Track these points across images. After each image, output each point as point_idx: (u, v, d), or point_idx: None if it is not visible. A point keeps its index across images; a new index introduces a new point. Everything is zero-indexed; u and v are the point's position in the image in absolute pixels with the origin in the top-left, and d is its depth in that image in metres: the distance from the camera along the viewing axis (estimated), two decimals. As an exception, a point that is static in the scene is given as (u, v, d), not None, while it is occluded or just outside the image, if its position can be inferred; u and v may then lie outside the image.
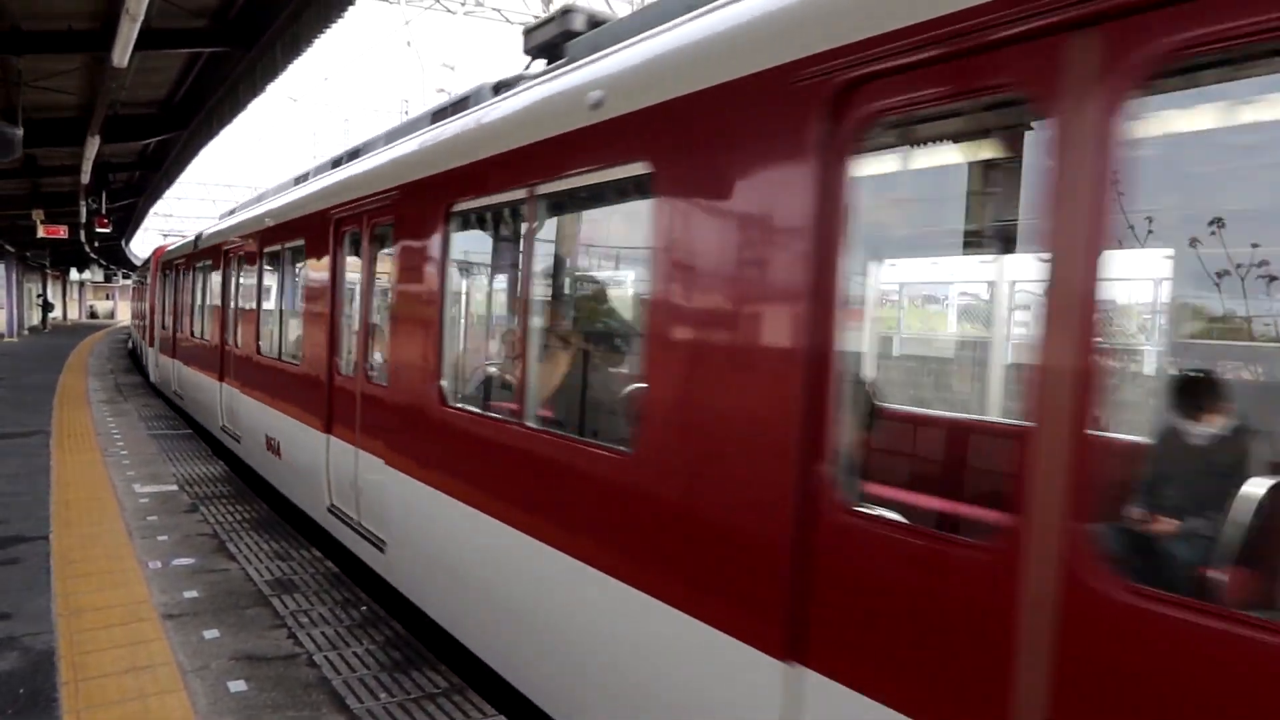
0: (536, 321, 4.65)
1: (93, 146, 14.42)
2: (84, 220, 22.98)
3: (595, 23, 5.04)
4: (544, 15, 5.29)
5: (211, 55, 12.71)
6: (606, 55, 4.12)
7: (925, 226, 3.71)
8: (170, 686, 4.54)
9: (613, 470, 3.64)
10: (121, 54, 9.24)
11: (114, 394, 18.05)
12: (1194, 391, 3.65)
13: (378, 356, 6.52)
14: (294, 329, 8.89)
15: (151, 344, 20.94)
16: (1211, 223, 3.65)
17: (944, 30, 2.36)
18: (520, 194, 4.49)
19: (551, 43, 5.20)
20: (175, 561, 6.67)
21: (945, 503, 2.79)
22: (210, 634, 5.25)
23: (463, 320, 5.77)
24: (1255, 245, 3.94)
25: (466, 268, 5.74)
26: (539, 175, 4.31)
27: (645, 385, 3.47)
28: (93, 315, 72.80)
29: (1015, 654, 2.08)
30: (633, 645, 3.45)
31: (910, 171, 3.59)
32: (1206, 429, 3.46)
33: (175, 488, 9.28)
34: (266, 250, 9.79)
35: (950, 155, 3.69)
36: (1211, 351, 4.22)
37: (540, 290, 4.84)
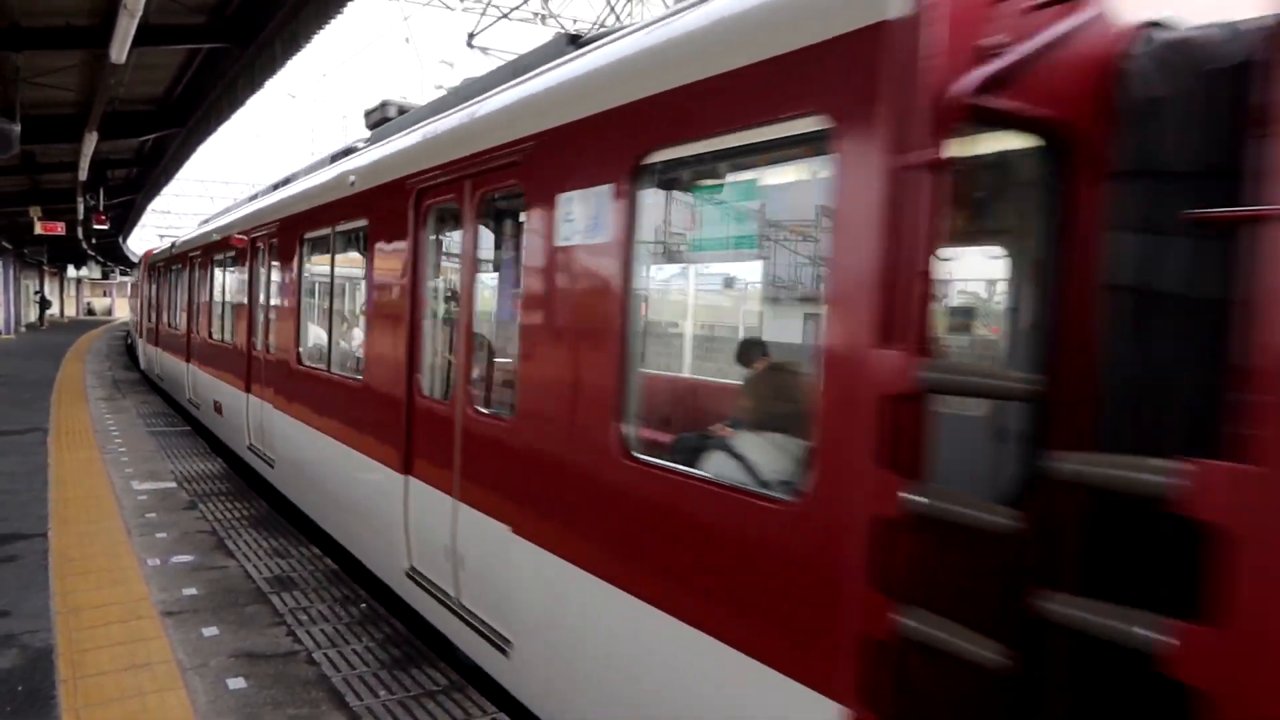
0: (333, 309, 7.98)
1: (91, 143, 14.39)
2: (82, 217, 22.93)
3: (402, 110, 7.65)
4: (376, 103, 8.11)
5: (210, 51, 12.70)
6: (359, 154, 7.38)
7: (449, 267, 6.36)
8: (169, 684, 4.54)
9: (356, 389, 6.64)
10: (120, 50, 9.21)
11: (112, 391, 18.03)
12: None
13: (271, 336, 9.34)
14: (230, 319, 11.73)
15: (141, 335, 24.18)
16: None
17: (433, 172, 5.27)
18: (327, 231, 7.60)
19: (374, 124, 7.94)
20: (174, 559, 6.67)
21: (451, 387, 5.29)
22: (209, 631, 5.26)
23: (309, 309, 8.58)
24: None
25: (311, 275, 8.53)
26: (336, 221, 7.37)
27: (366, 343, 6.56)
28: (90, 312, 72.60)
29: (454, 441, 4.90)
30: (352, 480, 6.58)
31: (444, 239, 6.28)
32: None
33: (174, 485, 9.28)
34: (215, 258, 12.95)
35: (454, 231, 6.31)
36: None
37: (336, 291, 7.90)
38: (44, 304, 49.10)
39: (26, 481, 9.05)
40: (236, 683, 4.58)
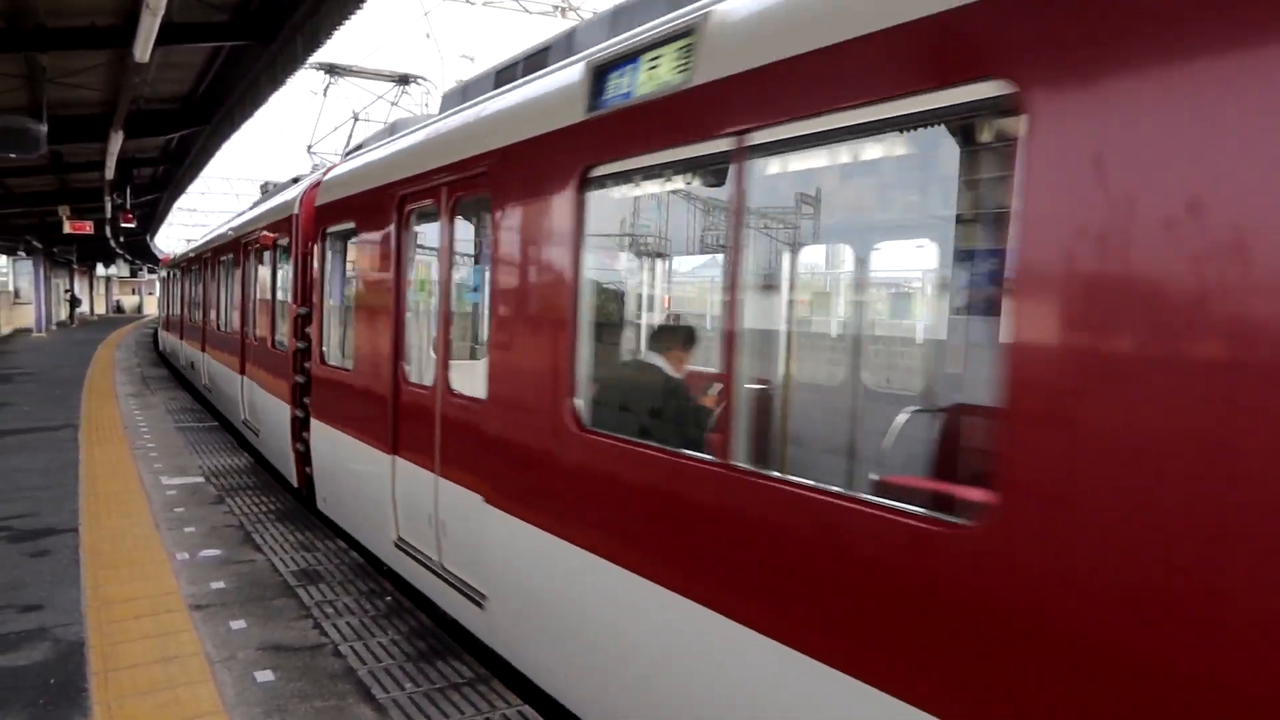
0: (230, 298, 14.15)
1: (116, 142, 14.52)
2: (109, 215, 23.19)
3: (277, 185, 14.49)
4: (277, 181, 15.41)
5: (232, 49, 12.76)
6: (242, 215, 15.56)
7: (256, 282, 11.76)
8: (199, 677, 4.58)
9: (232, 338, 13.18)
10: (143, 49, 9.27)
11: (141, 387, 18.26)
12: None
13: (211, 313, 16.00)
14: (204, 308, 17.33)
15: (160, 324, 32.73)
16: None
17: (246, 233, 12.59)
18: (233, 253, 13.81)
19: (261, 189, 16.87)
20: (203, 553, 6.74)
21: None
22: (238, 624, 5.31)
23: (227, 297, 14.47)
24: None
25: (219, 281, 15.23)
26: (228, 253, 14.51)
27: (236, 318, 13.04)
28: (119, 310, 73.41)
29: (251, 357, 11.93)
30: (221, 377, 14.43)
31: (251, 268, 11.98)
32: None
33: (202, 480, 9.38)
34: (193, 268, 19.77)
35: (252, 264, 12.39)
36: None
37: (240, 289, 13.01)
38: (74, 302, 49.67)
39: (58, 477, 9.19)
40: (264, 675, 4.62)
